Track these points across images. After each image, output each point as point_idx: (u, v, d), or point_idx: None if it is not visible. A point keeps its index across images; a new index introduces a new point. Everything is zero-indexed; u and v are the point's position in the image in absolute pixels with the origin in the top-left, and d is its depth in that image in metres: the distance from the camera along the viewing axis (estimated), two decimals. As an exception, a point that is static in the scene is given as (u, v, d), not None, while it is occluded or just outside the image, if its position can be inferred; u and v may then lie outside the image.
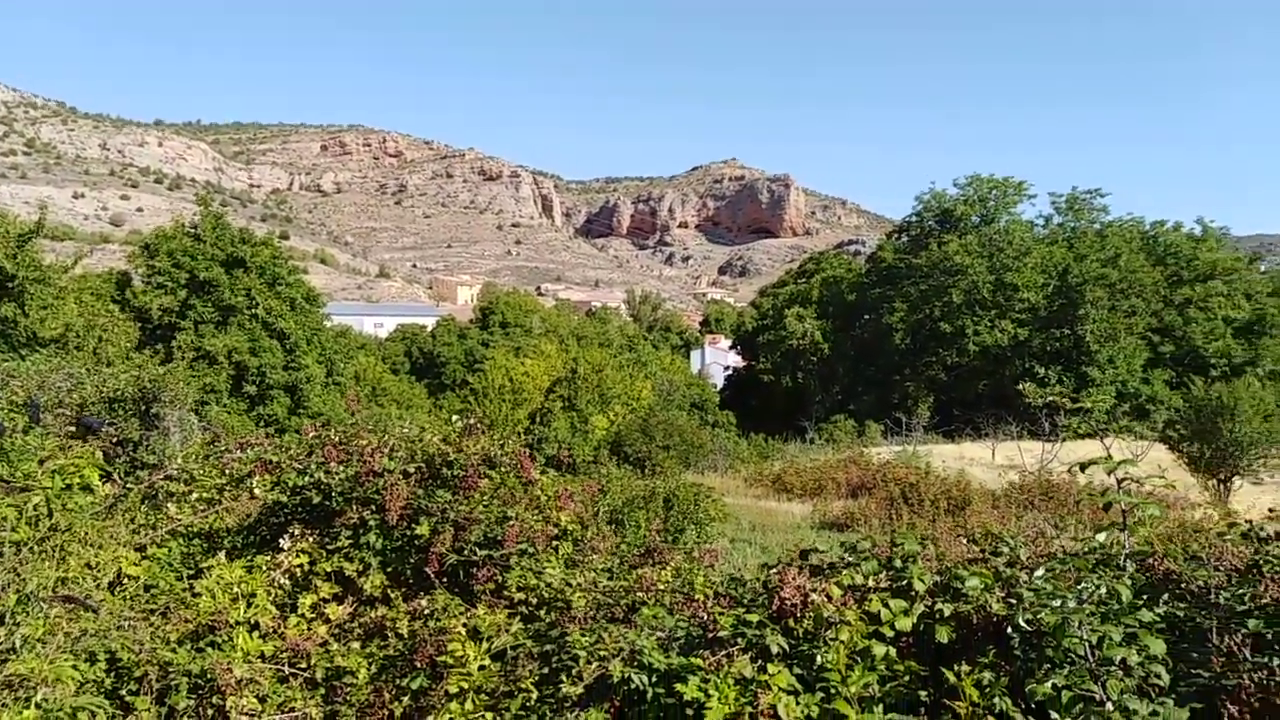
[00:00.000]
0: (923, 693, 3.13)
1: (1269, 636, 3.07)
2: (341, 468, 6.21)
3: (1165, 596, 3.73)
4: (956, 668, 2.93)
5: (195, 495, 6.80)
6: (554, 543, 6.09)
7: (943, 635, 3.23)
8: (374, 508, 5.82)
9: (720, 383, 77.29)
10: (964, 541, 4.56)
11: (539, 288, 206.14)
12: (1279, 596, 3.13)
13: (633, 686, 3.30)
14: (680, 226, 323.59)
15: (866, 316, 63.21)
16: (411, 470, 6.06)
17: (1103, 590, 2.99)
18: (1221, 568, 3.79)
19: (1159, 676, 2.70)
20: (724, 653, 3.29)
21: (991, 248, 57.73)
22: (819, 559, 3.89)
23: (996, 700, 2.82)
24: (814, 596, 3.32)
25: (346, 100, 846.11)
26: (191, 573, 5.95)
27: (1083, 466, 3.63)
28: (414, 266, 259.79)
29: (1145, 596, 3.87)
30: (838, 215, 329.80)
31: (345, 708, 4.96)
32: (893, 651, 3.21)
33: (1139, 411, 49.48)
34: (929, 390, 56.25)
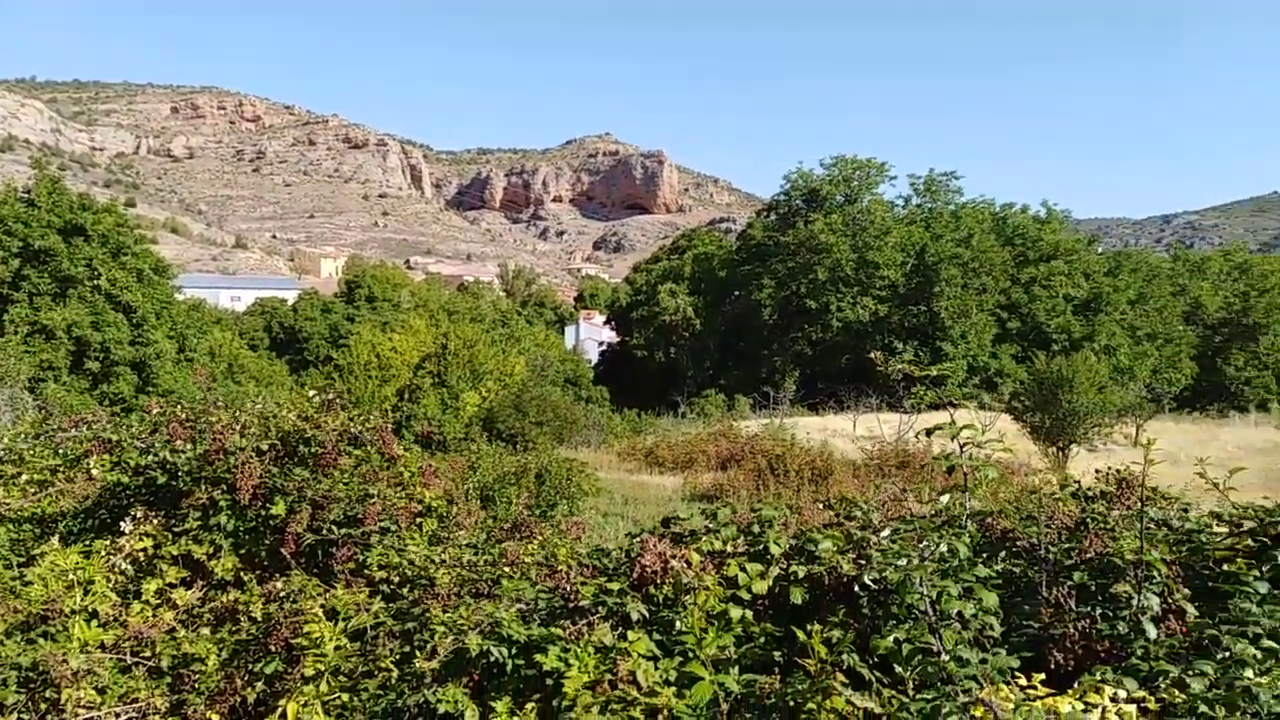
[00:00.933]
0: (777, 653, 3.23)
1: (1092, 588, 3.31)
2: (189, 446, 5.94)
3: (1003, 554, 3.96)
4: (809, 627, 3.03)
5: (25, 477, 6.36)
6: (418, 520, 5.99)
7: (797, 596, 3.34)
8: (225, 487, 5.59)
9: (595, 358, 77.45)
10: (820, 507, 4.72)
11: (408, 261, 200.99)
12: (1101, 550, 3.37)
13: (492, 659, 3.27)
14: (554, 200, 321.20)
15: (737, 293, 64.48)
16: (265, 448, 5.84)
17: (943, 548, 3.15)
18: (1053, 526, 4.05)
19: (991, 627, 2.86)
20: (585, 622, 3.30)
21: (854, 227, 59.77)
22: (680, 527, 3.94)
23: (845, 656, 2.93)
24: (674, 563, 3.37)
25: (199, 60, 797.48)
26: (22, 560, 5.58)
27: (929, 431, 3.80)
28: (274, 237, 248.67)
29: (985, 554, 4.10)
30: (710, 193, 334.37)
31: (193, 696, 4.74)
32: (749, 614, 3.29)
33: (988, 384, 52.42)
34: (795, 365, 57.98)
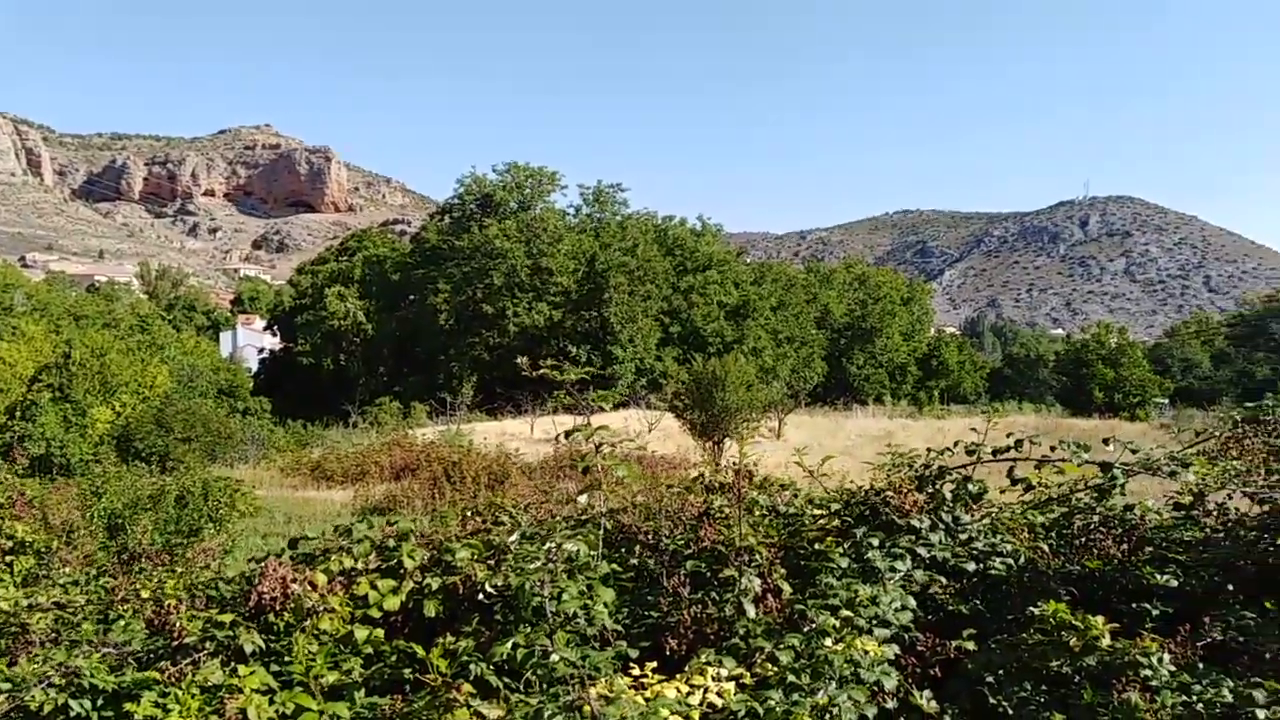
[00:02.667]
0: (408, 670, 3.12)
1: (707, 574, 3.57)
2: None
3: (638, 548, 4.16)
4: (439, 640, 2.96)
5: None
6: (7, 559, 5.19)
7: (430, 609, 3.25)
8: None
9: (255, 366, 72.10)
10: (467, 514, 4.67)
11: (23, 258, 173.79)
12: (715, 538, 3.64)
13: (73, 715, 2.84)
14: (206, 194, 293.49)
15: (412, 297, 63.12)
16: None
17: (570, 548, 3.23)
18: (683, 518, 4.32)
19: (604, 623, 2.98)
20: (189, 660, 2.98)
21: (529, 233, 60.87)
22: (310, 546, 3.71)
23: (473, 666, 2.90)
24: (294, 587, 3.14)
25: None
26: None
27: (567, 434, 3.88)
28: None
29: (623, 549, 4.29)
30: (383, 193, 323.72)
31: None
32: (379, 633, 3.15)
33: (654, 384, 55.65)
34: (473, 370, 57.85)
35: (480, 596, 3.27)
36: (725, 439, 34.21)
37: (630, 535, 4.05)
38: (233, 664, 2.96)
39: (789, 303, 69.75)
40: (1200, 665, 3.28)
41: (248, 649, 2.99)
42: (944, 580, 3.72)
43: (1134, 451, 4.20)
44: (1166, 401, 66.94)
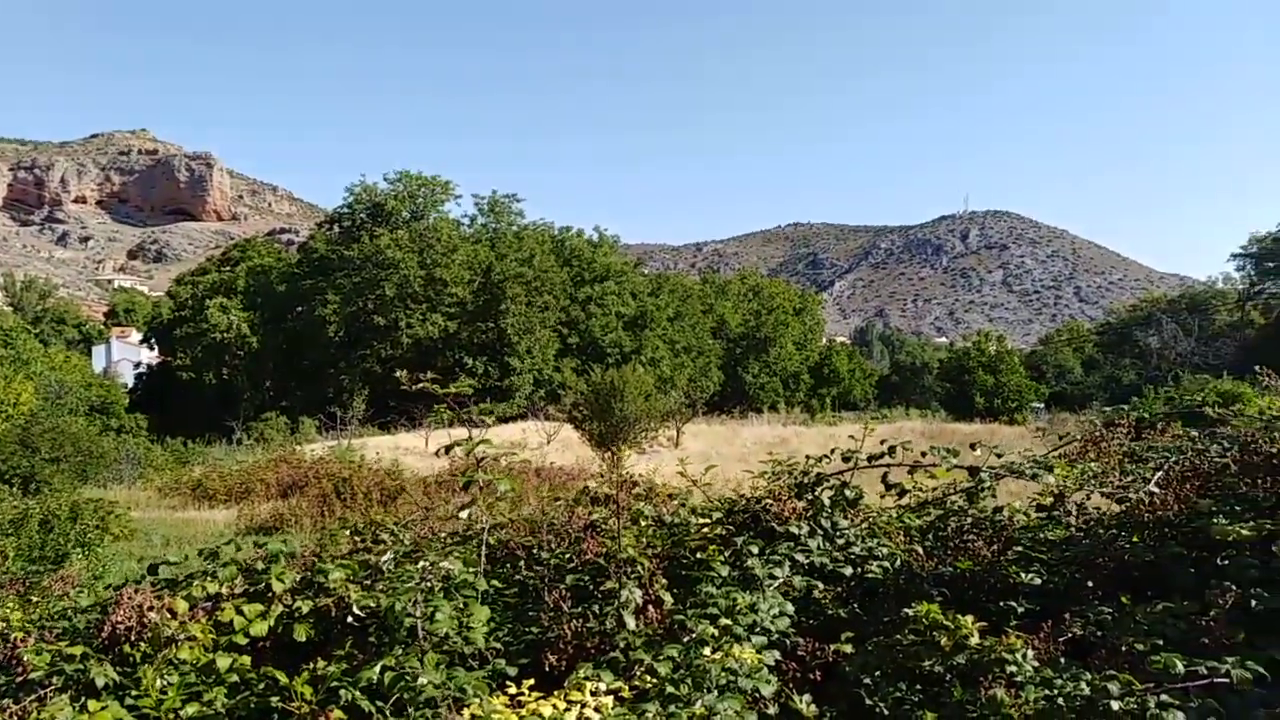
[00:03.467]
0: (275, 699, 2.99)
1: (589, 587, 3.54)
2: None
3: (522, 563, 4.11)
4: (308, 665, 2.84)
5: None
6: None
7: (301, 634, 3.13)
8: None
9: (131, 382, 68.69)
10: (346, 533, 4.53)
11: None
12: (599, 551, 3.62)
13: (-105, 766, 2.62)
14: (77, 201, 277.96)
15: (299, 309, 61.14)
16: None
17: (447, 565, 3.16)
18: (569, 531, 4.29)
19: (479, 643, 2.93)
20: (34, 697, 2.79)
21: (422, 243, 59.79)
22: (173, 571, 3.53)
23: (343, 692, 2.79)
24: (152, 615, 2.98)
25: None
26: None
27: (447, 449, 3.81)
28: None
29: (508, 564, 4.23)
30: (269, 201, 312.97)
31: None
32: (245, 660, 3.01)
33: (553, 396, 55.36)
34: (365, 383, 56.40)
35: (350, 619, 3.16)
36: (624, 448, 34.28)
37: (513, 551, 4.00)
38: (84, 699, 2.78)
39: (686, 313, 70.51)
40: (1061, 660, 3.42)
41: (99, 682, 2.81)
42: (823, 585, 3.79)
43: (999, 456, 4.37)
44: (1042, 406, 70.23)
